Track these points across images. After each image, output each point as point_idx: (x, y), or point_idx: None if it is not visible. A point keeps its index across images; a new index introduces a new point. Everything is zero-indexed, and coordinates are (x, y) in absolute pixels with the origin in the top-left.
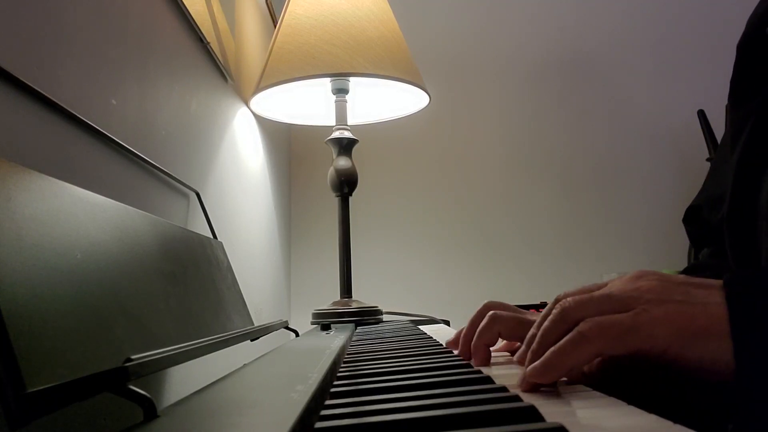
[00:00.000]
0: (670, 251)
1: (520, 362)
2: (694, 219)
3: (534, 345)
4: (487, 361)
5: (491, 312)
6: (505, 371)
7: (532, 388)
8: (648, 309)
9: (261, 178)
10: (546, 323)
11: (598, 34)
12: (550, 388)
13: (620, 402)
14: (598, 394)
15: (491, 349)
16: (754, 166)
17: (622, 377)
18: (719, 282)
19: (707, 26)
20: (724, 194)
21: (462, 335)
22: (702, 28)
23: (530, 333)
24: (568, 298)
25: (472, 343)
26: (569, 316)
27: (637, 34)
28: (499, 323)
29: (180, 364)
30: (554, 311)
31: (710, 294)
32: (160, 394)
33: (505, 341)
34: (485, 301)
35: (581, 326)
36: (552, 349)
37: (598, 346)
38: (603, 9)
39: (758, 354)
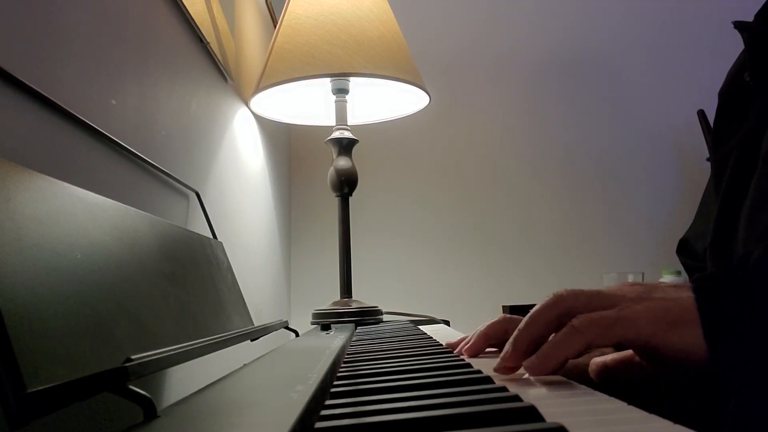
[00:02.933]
0: (670, 251)
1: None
2: (685, 250)
3: (521, 325)
4: (478, 352)
5: (506, 315)
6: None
7: (506, 371)
8: (631, 305)
9: (261, 178)
10: (538, 307)
11: (599, 35)
12: (552, 387)
13: (620, 402)
14: (599, 393)
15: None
16: (736, 198)
17: (622, 380)
18: (690, 283)
19: (708, 26)
20: (709, 228)
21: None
22: (702, 28)
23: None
24: (563, 290)
25: (478, 332)
26: (561, 302)
27: (637, 34)
28: (514, 325)
29: (180, 364)
30: (547, 298)
31: (682, 291)
32: (160, 394)
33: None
34: (500, 315)
35: (573, 321)
36: (547, 342)
37: (588, 337)
38: (603, 9)
39: (725, 335)
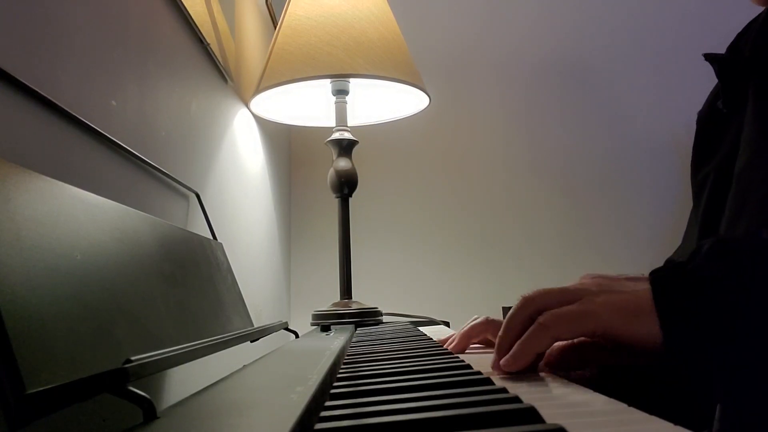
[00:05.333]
0: (671, 251)
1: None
2: None
3: (501, 332)
4: (462, 350)
5: (487, 317)
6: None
7: (504, 373)
8: (592, 298)
9: (261, 179)
10: (510, 312)
11: (599, 37)
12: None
13: (620, 402)
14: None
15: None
16: (715, 217)
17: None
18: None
19: (707, 30)
20: (688, 247)
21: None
22: (701, 31)
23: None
24: (531, 291)
25: (461, 332)
26: (530, 303)
27: (637, 38)
28: (494, 327)
29: (180, 365)
30: (518, 302)
31: (640, 283)
32: (159, 395)
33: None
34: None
35: (540, 318)
36: (518, 341)
37: (555, 331)
38: (603, 12)
39: (678, 323)
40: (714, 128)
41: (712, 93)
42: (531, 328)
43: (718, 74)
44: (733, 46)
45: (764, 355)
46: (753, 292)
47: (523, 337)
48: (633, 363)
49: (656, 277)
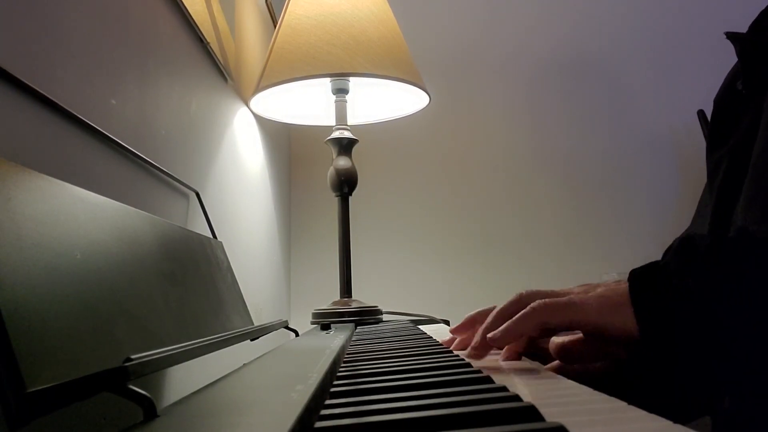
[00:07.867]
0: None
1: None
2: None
3: (489, 318)
4: (466, 331)
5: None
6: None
7: (476, 357)
8: (579, 295)
9: (261, 178)
10: (503, 304)
11: (600, 35)
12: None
13: (620, 401)
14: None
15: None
16: (729, 201)
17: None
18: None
19: (707, 27)
20: (702, 222)
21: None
22: (702, 28)
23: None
24: (524, 290)
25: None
26: (522, 299)
27: (638, 35)
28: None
29: (180, 363)
30: (511, 298)
31: (620, 285)
32: (160, 393)
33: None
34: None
35: (532, 303)
36: (509, 320)
37: (543, 316)
38: (604, 10)
39: (652, 314)
40: (731, 109)
41: (730, 73)
42: (523, 311)
43: (739, 54)
44: (756, 26)
45: (732, 343)
46: (715, 284)
47: (514, 318)
48: (618, 352)
49: (633, 273)
